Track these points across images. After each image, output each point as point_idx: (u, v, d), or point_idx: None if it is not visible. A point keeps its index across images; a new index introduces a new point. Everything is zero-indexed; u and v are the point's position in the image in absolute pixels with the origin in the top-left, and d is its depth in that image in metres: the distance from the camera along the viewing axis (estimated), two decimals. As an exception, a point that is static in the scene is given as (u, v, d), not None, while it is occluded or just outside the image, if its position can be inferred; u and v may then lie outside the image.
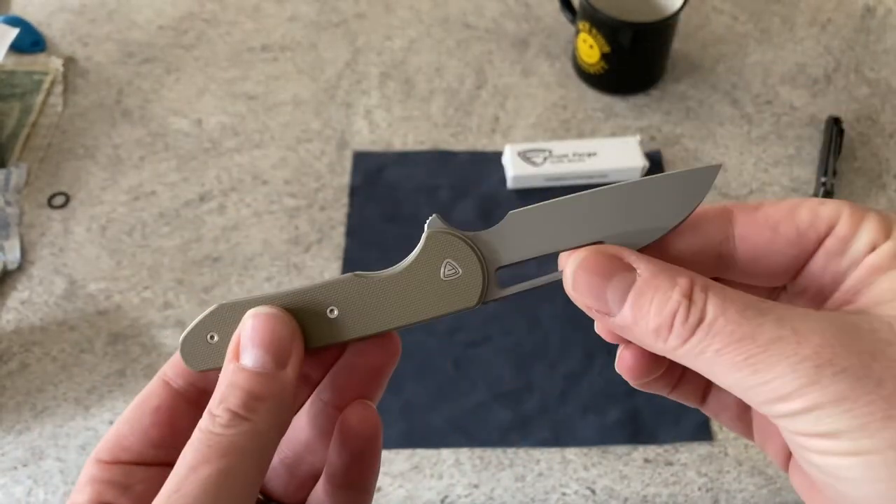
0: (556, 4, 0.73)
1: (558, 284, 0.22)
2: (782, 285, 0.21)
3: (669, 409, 0.50)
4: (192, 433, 0.20)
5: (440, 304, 0.22)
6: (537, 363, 0.52)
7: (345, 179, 0.62)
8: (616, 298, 0.19)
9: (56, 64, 0.70)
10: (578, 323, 0.53)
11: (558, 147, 0.61)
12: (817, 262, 0.20)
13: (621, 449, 0.49)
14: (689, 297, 0.18)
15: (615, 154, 0.61)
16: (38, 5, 0.76)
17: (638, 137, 0.62)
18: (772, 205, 0.20)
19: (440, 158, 0.63)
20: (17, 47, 0.69)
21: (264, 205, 0.61)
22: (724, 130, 0.65)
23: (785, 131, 0.65)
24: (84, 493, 0.21)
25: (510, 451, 0.49)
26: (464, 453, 0.49)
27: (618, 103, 0.67)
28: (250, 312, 0.21)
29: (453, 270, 0.22)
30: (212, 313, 0.21)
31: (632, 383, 0.23)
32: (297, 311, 0.21)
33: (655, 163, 0.62)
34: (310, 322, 0.21)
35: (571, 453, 0.49)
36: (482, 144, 0.64)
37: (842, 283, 0.19)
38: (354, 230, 0.59)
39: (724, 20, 0.74)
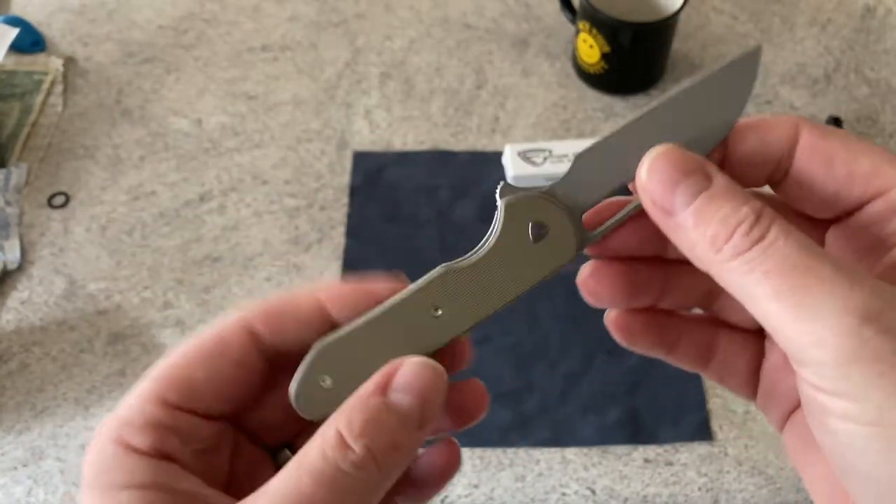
0: (556, 4, 0.73)
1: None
2: (828, 222, 0.21)
3: (669, 409, 0.50)
4: (264, 396, 0.19)
5: (539, 267, 0.21)
6: (537, 363, 0.52)
7: (345, 179, 0.62)
8: (685, 199, 0.18)
9: (56, 64, 0.70)
10: (578, 323, 0.53)
11: (558, 147, 0.61)
12: (864, 217, 0.19)
13: (621, 449, 0.49)
14: (759, 215, 0.17)
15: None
16: (38, 5, 0.76)
17: (638, 137, 0.62)
18: (842, 140, 0.19)
19: (440, 158, 0.63)
20: (17, 47, 0.69)
21: (264, 205, 0.61)
22: (724, 130, 0.65)
23: (785, 131, 0.65)
24: (143, 437, 0.18)
25: (510, 450, 0.49)
26: (464, 453, 0.49)
27: (618, 103, 0.67)
28: (419, 360, 0.19)
29: (541, 230, 0.21)
30: (318, 355, 0.20)
31: (622, 339, 0.22)
32: (404, 322, 0.20)
33: (655, 163, 0.62)
34: (416, 330, 0.20)
35: (571, 453, 0.49)
36: (482, 144, 0.64)
37: (889, 250, 0.19)
38: (354, 230, 0.59)
39: (723, 20, 0.74)
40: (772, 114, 0.66)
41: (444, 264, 0.21)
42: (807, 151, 0.19)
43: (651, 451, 0.49)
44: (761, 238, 0.17)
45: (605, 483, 0.48)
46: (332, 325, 0.21)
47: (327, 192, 0.61)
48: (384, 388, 0.19)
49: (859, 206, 0.19)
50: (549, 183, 0.21)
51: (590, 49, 0.65)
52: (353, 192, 0.61)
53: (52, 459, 0.49)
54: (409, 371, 0.19)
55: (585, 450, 0.49)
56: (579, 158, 0.21)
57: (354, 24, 0.74)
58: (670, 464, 0.49)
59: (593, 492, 0.48)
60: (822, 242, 0.21)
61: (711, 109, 0.20)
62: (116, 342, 0.54)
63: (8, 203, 0.60)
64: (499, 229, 0.21)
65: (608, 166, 0.21)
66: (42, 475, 0.48)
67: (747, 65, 0.21)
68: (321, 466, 0.17)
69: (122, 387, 0.52)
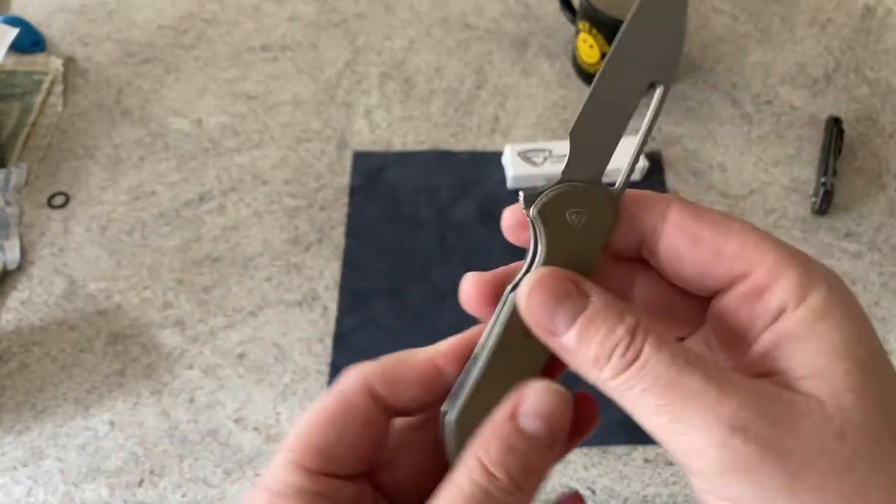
0: (556, 4, 0.73)
1: None
2: (705, 297, 0.21)
3: (669, 409, 0.50)
4: (391, 450, 0.20)
5: (593, 243, 0.21)
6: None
7: (345, 179, 0.62)
8: (565, 321, 0.19)
9: (56, 64, 0.70)
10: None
11: (558, 147, 0.61)
12: (734, 297, 0.20)
13: (621, 449, 0.49)
14: (633, 334, 0.18)
15: (615, 154, 0.61)
16: (37, 5, 0.76)
17: (638, 137, 0.62)
18: (713, 220, 0.20)
19: (440, 158, 0.63)
20: (16, 47, 0.69)
21: (264, 205, 0.61)
22: (723, 130, 0.65)
23: (785, 131, 0.65)
24: None
25: (510, 451, 0.49)
26: (464, 453, 0.49)
27: (618, 103, 0.67)
28: (541, 385, 0.20)
29: (579, 214, 0.21)
30: (458, 429, 0.21)
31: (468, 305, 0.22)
32: (507, 358, 0.21)
33: (655, 163, 0.62)
34: (521, 357, 0.21)
35: (571, 453, 0.49)
36: (482, 144, 0.64)
37: (758, 334, 0.19)
38: (354, 230, 0.59)
39: (724, 20, 0.74)
40: (771, 114, 0.67)
41: (509, 286, 0.21)
42: (675, 230, 0.20)
43: (651, 451, 0.49)
44: (635, 358, 0.18)
45: (605, 483, 0.48)
46: (443, 380, 0.22)
47: (327, 192, 0.61)
48: (513, 416, 0.19)
49: (728, 287, 0.20)
50: (561, 173, 0.22)
51: (590, 49, 0.65)
52: (353, 192, 0.61)
53: (52, 459, 0.49)
54: (532, 396, 0.20)
55: (585, 450, 0.49)
56: (574, 135, 0.22)
57: (354, 24, 0.74)
58: (670, 464, 0.49)
59: (593, 492, 0.48)
60: (703, 317, 0.22)
61: (656, 35, 0.21)
62: (116, 342, 0.54)
63: (8, 203, 0.60)
64: (543, 233, 0.21)
65: (603, 127, 0.22)
66: (42, 475, 0.48)
67: None
68: (471, 491, 0.18)
69: (122, 387, 0.52)
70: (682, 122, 0.66)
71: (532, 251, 0.21)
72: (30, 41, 0.71)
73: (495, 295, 0.21)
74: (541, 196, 0.21)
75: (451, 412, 0.21)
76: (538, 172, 0.60)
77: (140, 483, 0.48)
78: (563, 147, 0.61)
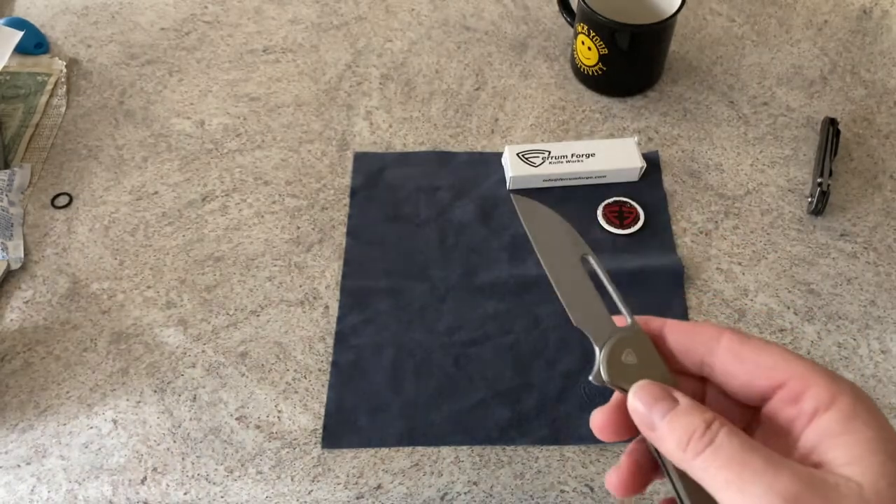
0: (555, 7, 0.74)
1: None
2: (758, 408, 0.26)
3: (667, 407, 0.51)
4: None
5: (654, 366, 0.27)
6: (536, 362, 0.53)
7: (346, 180, 0.63)
8: (660, 415, 0.25)
9: (59, 65, 0.70)
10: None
11: (557, 148, 0.62)
12: (775, 403, 0.25)
13: (619, 447, 0.50)
14: (710, 424, 0.23)
15: (613, 155, 0.61)
16: (41, 7, 0.76)
17: (636, 138, 0.63)
18: (755, 342, 0.25)
19: (440, 159, 0.64)
20: (20, 49, 0.70)
21: (266, 205, 0.61)
22: (720, 131, 0.66)
23: (781, 132, 0.66)
24: None
25: (509, 448, 0.50)
26: (463, 451, 0.50)
27: (616, 105, 0.68)
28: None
29: (628, 355, 0.28)
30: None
31: (600, 436, 0.28)
32: None
33: (653, 164, 0.63)
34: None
35: (570, 451, 0.50)
36: (481, 145, 0.65)
37: (800, 433, 0.24)
38: (355, 230, 0.60)
39: (720, 22, 0.75)
40: (768, 115, 0.67)
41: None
42: (726, 352, 0.26)
43: (649, 448, 0.50)
44: (711, 441, 0.23)
45: (604, 480, 0.49)
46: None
47: (328, 193, 0.62)
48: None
49: (770, 395, 0.25)
50: (595, 344, 0.28)
51: (588, 51, 0.66)
52: (354, 192, 0.62)
53: (56, 457, 0.49)
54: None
55: (584, 447, 0.50)
56: (578, 321, 0.28)
57: (355, 26, 0.74)
58: (668, 461, 0.49)
59: (591, 489, 0.49)
60: (758, 423, 0.27)
61: (555, 233, 0.29)
62: (119, 341, 0.54)
63: (12, 203, 0.61)
64: (620, 382, 0.27)
65: (581, 299, 0.28)
66: (45, 473, 0.49)
67: (525, 205, 0.30)
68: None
69: (125, 385, 0.52)
70: (679, 124, 0.66)
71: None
72: (33, 43, 0.71)
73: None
74: (597, 372, 0.27)
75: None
76: (537, 173, 0.61)
77: (143, 481, 0.48)
78: (561, 148, 0.62)
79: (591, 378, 0.27)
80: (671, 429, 0.24)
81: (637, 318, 0.28)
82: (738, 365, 0.25)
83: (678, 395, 0.25)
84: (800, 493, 0.21)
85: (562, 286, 0.28)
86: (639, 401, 0.26)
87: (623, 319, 0.28)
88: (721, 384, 0.26)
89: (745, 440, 0.23)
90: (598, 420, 0.28)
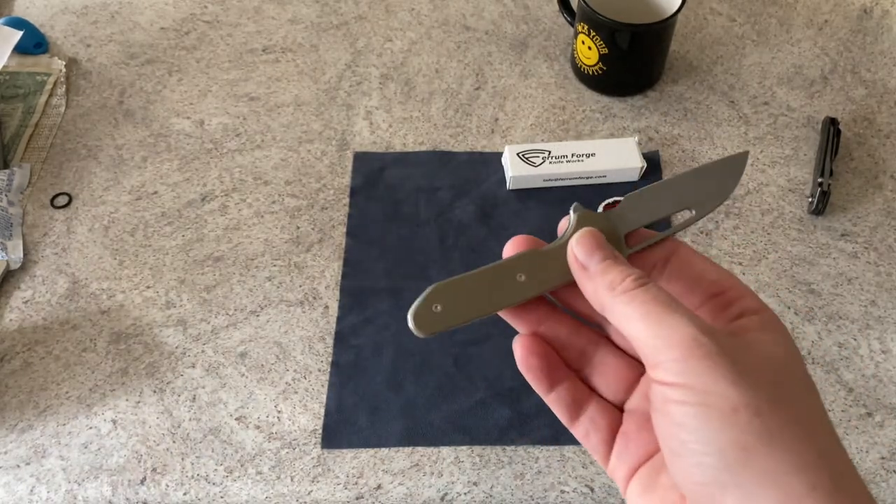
0: (555, 6, 0.73)
1: None
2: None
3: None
4: None
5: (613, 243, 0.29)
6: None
7: (345, 180, 0.63)
8: (597, 260, 0.27)
9: (59, 65, 0.70)
10: (577, 322, 0.54)
11: (557, 148, 0.62)
12: (704, 310, 0.27)
13: (619, 447, 0.50)
14: (642, 275, 0.26)
15: (613, 155, 0.61)
16: (40, 7, 0.76)
17: (636, 138, 0.62)
18: (703, 258, 0.28)
19: (440, 159, 0.64)
20: (20, 48, 0.70)
21: (266, 205, 0.61)
22: (721, 131, 0.66)
23: (782, 132, 0.66)
24: None
25: (509, 448, 0.50)
26: (463, 451, 0.50)
27: (616, 104, 0.68)
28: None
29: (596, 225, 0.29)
30: (434, 290, 0.28)
31: (518, 360, 0.29)
32: (496, 279, 0.28)
33: (653, 163, 0.63)
34: (505, 286, 0.28)
35: (570, 451, 0.50)
36: (482, 145, 0.65)
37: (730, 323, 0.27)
38: (355, 230, 0.59)
39: (721, 22, 0.75)
40: (768, 115, 0.67)
41: (529, 250, 0.29)
42: (680, 259, 0.28)
43: (649, 448, 0.50)
44: (643, 285, 0.25)
45: (604, 481, 0.49)
46: None
47: (328, 193, 0.62)
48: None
49: (705, 301, 0.27)
50: (607, 212, 0.29)
51: (588, 51, 0.65)
52: (354, 192, 0.62)
53: (55, 458, 0.49)
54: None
55: (584, 448, 0.50)
56: (627, 198, 0.29)
57: (355, 26, 0.74)
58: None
59: (591, 489, 0.48)
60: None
61: (710, 185, 0.30)
62: (119, 341, 0.54)
63: (11, 203, 0.61)
64: (572, 230, 0.28)
65: (644, 208, 0.29)
66: (44, 473, 0.49)
67: (738, 161, 0.30)
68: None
69: (125, 385, 0.52)
70: (679, 123, 0.66)
71: (561, 237, 0.29)
72: (33, 42, 0.71)
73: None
74: (586, 210, 0.29)
75: (436, 283, 0.28)
76: (537, 173, 0.61)
77: (142, 481, 0.48)
78: (561, 148, 0.62)
79: (575, 203, 0.29)
80: (604, 271, 0.26)
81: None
82: (685, 270, 0.28)
83: (616, 253, 0.28)
84: (714, 332, 0.23)
85: (657, 186, 0.30)
86: (581, 242, 0.27)
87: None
88: (668, 282, 0.29)
89: (670, 295, 0.25)
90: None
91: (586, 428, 0.29)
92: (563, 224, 0.29)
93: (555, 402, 0.29)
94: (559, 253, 0.28)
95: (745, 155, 0.30)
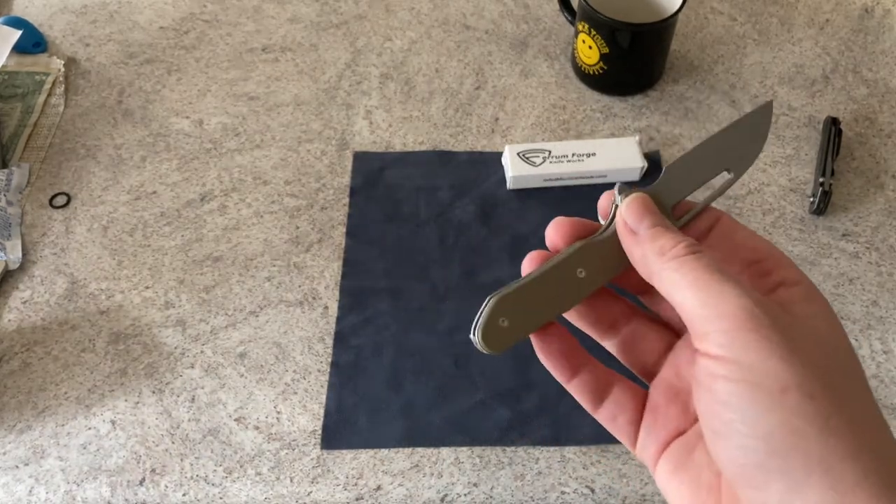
0: (556, 5, 0.73)
1: None
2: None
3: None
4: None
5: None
6: (536, 362, 0.53)
7: (345, 180, 0.62)
8: (647, 225, 0.26)
9: (57, 64, 0.70)
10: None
11: (557, 147, 0.62)
12: (748, 274, 0.26)
13: (620, 447, 0.50)
14: (693, 242, 0.25)
15: (614, 154, 0.61)
16: (39, 6, 0.76)
17: (637, 138, 0.62)
18: (743, 227, 0.27)
19: (440, 159, 0.64)
20: (18, 48, 0.69)
21: (265, 205, 0.61)
22: (722, 131, 0.66)
23: (783, 132, 0.66)
24: None
25: (509, 449, 0.50)
26: (463, 452, 0.49)
27: (617, 104, 0.68)
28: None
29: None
30: (497, 303, 0.27)
31: (538, 350, 0.28)
32: (557, 279, 0.27)
33: (654, 163, 0.63)
34: (567, 285, 0.27)
35: (570, 452, 0.49)
36: (482, 145, 0.65)
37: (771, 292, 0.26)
38: (355, 230, 0.59)
39: (722, 21, 0.75)
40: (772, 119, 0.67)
41: (581, 240, 0.28)
42: (722, 226, 0.27)
43: (650, 449, 0.50)
44: (695, 252, 0.24)
45: (604, 482, 0.48)
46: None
47: (328, 193, 0.62)
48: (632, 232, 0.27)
49: (745, 269, 0.26)
50: (652, 185, 0.28)
51: (589, 50, 0.65)
52: (354, 192, 0.62)
53: (54, 458, 0.49)
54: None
55: (584, 448, 0.50)
56: (668, 169, 0.29)
57: (355, 25, 0.74)
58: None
59: (592, 490, 0.48)
60: None
61: (742, 143, 0.29)
62: (118, 342, 0.54)
63: (10, 203, 0.61)
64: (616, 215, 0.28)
65: (685, 177, 0.29)
66: (43, 474, 0.49)
67: (764, 113, 0.29)
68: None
69: (124, 386, 0.52)
70: (680, 123, 0.66)
71: (607, 222, 0.28)
72: (31, 42, 0.71)
73: (573, 237, 0.28)
74: (631, 189, 0.28)
75: (495, 294, 0.27)
76: (537, 173, 0.61)
77: (141, 482, 0.48)
78: (562, 148, 0.62)
79: (618, 184, 0.28)
80: (654, 237, 0.25)
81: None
82: (727, 239, 0.27)
83: (668, 220, 0.27)
84: (769, 304, 0.22)
85: (692, 153, 0.29)
86: (632, 206, 0.26)
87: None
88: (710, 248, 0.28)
89: (722, 264, 0.24)
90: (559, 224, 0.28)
91: (612, 411, 0.28)
92: (604, 204, 0.28)
93: (577, 389, 0.28)
94: (614, 240, 0.27)
95: (769, 105, 0.29)
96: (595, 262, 0.27)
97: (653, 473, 0.26)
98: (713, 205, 0.29)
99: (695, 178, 0.28)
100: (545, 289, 0.27)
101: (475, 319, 0.27)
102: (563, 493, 0.48)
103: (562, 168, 0.60)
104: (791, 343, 0.21)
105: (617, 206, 0.27)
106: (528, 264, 0.28)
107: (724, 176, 0.29)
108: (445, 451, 0.50)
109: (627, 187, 0.28)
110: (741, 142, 0.29)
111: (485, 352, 0.27)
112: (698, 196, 0.29)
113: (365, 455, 0.49)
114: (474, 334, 0.27)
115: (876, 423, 0.22)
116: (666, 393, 0.27)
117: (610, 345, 0.29)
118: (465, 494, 0.48)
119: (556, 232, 0.28)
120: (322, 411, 0.51)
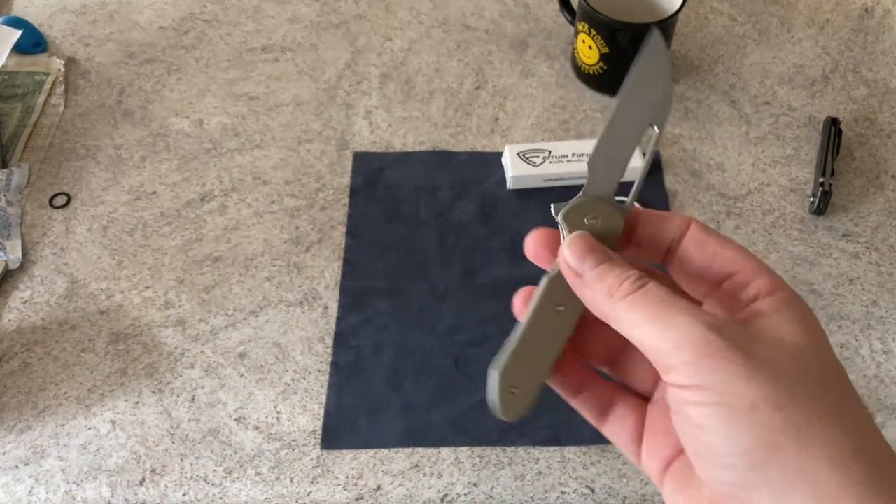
0: (556, 5, 0.73)
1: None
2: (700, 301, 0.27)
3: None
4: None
5: (608, 242, 0.27)
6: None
7: (345, 180, 0.62)
8: (591, 265, 0.26)
9: (57, 64, 0.70)
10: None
11: (557, 147, 0.62)
12: (719, 293, 0.26)
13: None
14: (640, 276, 0.25)
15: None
16: (39, 6, 0.76)
17: (637, 138, 0.62)
18: (717, 236, 0.26)
19: (440, 159, 0.64)
20: (18, 48, 0.69)
21: (265, 205, 0.61)
22: (722, 131, 0.66)
23: (783, 132, 0.66)
24: None
25: (509, 449, 0.50)
26: (463, 452, 0.49)
27: (617, 104, 0.67)
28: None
29: (595, 218, 0.28)
30: (504, 377, 0.27)
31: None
32: (543, 325, 0.27)
33: (655, 163, 0.63)
34: (552, 325, 0.27)
35: (570, 452, 0.49)
36: (482, 145, 0.65)
37: (735, 314, 0.25)
38: (355, 230, 0.59)
39: (722, 21, 0.75)
40: (770, 114, 0.67)
41: (545, 276, 0.28)
42: (691, 239, 0.26)
43: (650, 449, 0.50)
44: (642, 287, 0.24)
45: (604, 482, 0.48)
46: None
47: (328, 193, 0.62)
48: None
49: (719, 283, 0.26)
50: (584, 192, 0.28)
51: (589, 50, 0.65)
52: (354, 192, 0.62)
53: (54, 458, 0.49)
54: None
55: (584, 448, 0.50)
56: (591, 162, 0.28)
57: (355, 25, 0.74)
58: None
59: (592, 490, 0.48)
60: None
61: (649, 91, 0.28)
62: (118, 342, 0.54)
63: (10, 203, 0.61)
64: (566, 231, 0.28)
65: (611, 157, 0.28)
66: (43, 474, 0.49)
67: (655, 49, 0.28)
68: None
69: (123, 386, 0.52)
70: (680, 123, 0.66)
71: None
72: (31, 42, 0.71)
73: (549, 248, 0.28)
74: (565, 204, 0.28)
75: (496, 368, 0.27)
76: (537, 173, 0.61)
77: (141, 482, 0.48)
78: (562, 147, 0.62)
79: (552, 206, 0.28)
80: (600, 277, 0.25)
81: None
82: (698, 252, 0.26)
83: (610, 253, 0.26)
84: (724, 324, 0.22)
85: (605, 135, 0.28)
86: (571, 248, 0.26)
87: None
88: (677, 273, 0.27)
89: (671, 291, 0.24)
90: (535, 237, 0.28)
91: (616, 428, 0.28)
92: (519, 305, 0.28)
93: (582, 405, 0.28)
94: None
95: (657, 38, 0.28)
96: (568, 293, 0.27)
97: (661, 492, 0.27)
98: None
99: (621, 153, 0.28)
100: (535, 338, 0.27)
101: (487, 397, 0.27)
102: (563, 493, 0.48)
103: (562, 168, 0.60)
104: (753, 360, 0.22)
105: (559, 224, 0.28)
106: (520, 303, 0.28)
107: (651, 135, 0.28)
108: (445, 451, 0.50)
109: (559, 204, 0.28)
110: (648, 91, 0.28)
111: (507, 420, 0.27)
112: (636, 162, 0.28)
113: (365, 455, 0.49)
114: (499, 413, 0.27)
115: (859, 425, 0.22)
116: (663, 415, 0.27)
117: (615, 367, 0.29)
118: (465, 494, 0.48)
119: (533, 243, 0.28)
120: (322, 411, 0.51)
